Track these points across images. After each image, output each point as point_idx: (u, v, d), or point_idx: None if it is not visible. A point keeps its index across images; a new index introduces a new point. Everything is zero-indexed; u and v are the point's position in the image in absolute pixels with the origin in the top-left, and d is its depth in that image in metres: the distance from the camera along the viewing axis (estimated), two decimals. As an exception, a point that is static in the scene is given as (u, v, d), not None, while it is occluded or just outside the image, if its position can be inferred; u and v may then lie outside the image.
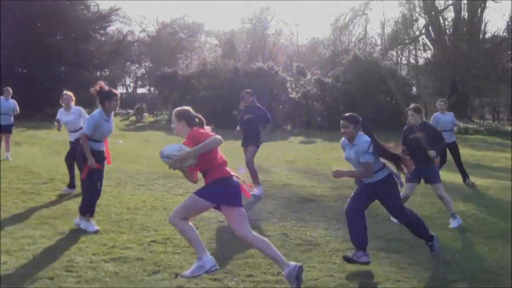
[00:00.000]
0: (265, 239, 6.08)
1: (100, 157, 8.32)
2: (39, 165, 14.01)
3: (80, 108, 11.38)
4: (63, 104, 11.39)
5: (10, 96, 16.09)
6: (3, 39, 35.51)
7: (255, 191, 10.86)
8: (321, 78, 38.81)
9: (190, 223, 6.00)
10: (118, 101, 8.21)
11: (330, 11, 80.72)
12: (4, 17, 34.97)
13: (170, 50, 68.12)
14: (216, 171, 5.90)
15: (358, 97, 35.05)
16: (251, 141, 11.42)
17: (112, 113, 8.34)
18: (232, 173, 6.00)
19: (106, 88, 8.13)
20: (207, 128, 6.13)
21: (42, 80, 34.67)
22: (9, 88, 16.22)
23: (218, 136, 5.80)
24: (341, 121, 6.75)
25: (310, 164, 17.27)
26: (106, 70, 46.99)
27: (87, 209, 8.18)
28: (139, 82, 78.20)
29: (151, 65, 72.43)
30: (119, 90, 25.63)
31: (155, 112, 51.46)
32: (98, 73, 44.27)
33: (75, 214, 8.82)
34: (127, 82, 75.97)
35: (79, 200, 10.07)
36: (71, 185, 11.03)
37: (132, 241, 7.39)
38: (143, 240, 7.53)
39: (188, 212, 5.94)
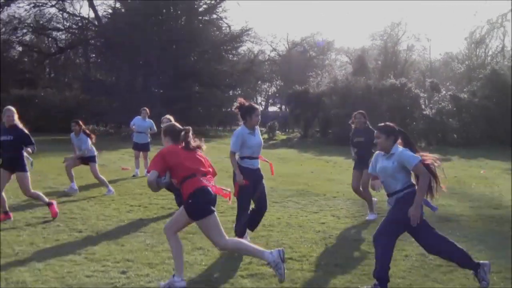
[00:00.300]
0: (241, 240, 6.36)
1: (255, 175, 8.17)
2: (176, 182, 14.44)
3: None
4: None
5: (147, 116, 16.93)
6: (142, 61, 37.33)
7: (369, 216, 10.64)
8: (457, 94, 37.55)
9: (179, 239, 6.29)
10: (259, 116, 8.16)
11: (464, 24, 77.71)
12: (142, 40, 36.68)
13: (300, 68, 68.49)
14: (188, 184, 6.03)
15: (497, 113, 33.63)
16: (365, 165, 10.53)
17: (257, 127, 8.29)
18: (205, 183, 6.06)
19: (246, 103, 8.15)
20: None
21: (177, 100, 35.85)
22: (146, 108, 17.17)
23: (148, 179, 6.06)
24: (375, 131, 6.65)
25: (447, 182, 16.64)
26: (238, 89, 47.89)
27: (240, 229, 8.08)
28: (271, 100, 79.43)
29: (282, 83, 73.32)
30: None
31: (287, 130, 51.92)
32: (231, 92, 45.25)
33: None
34: (259, 101, 77.29)
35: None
36: None
37: (269, 258, 7.39)
38: (280, 257, 7.50)
39: (177, 224, 6.26)
